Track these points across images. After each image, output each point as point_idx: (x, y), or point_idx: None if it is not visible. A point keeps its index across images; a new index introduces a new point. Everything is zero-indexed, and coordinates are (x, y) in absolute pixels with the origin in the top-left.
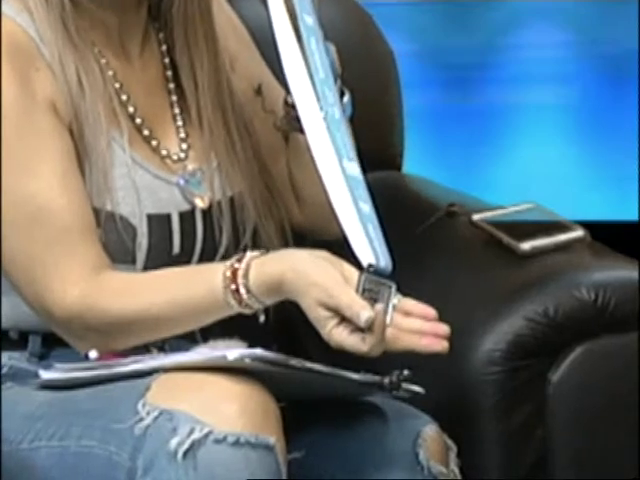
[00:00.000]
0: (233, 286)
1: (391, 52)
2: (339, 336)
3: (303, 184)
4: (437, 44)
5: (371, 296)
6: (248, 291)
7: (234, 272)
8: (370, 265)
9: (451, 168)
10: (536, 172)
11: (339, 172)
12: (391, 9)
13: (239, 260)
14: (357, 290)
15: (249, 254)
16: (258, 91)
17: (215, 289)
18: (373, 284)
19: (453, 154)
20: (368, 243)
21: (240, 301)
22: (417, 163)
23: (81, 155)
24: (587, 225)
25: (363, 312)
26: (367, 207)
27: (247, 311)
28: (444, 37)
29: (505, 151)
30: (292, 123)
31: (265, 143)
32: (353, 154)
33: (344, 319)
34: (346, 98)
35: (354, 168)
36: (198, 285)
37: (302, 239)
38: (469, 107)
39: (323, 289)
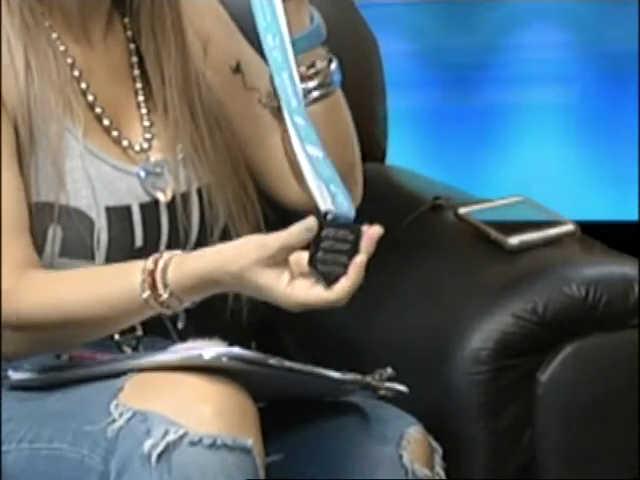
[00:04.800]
0: (151, 283)
1: (374, 39)
2: (300, 292)
3: None
4: (437, 44)
5: (339, 246)
6: (166, 288)
7: (153, 269)
8: (327, 212)
9: (451, 168)
10: (536, 172)
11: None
12: (391, 9)
13: (158, 257)
14: (316, 237)
15: (171, 252)
16: (237, 69)
17: (133, 285)
18: (333, 231)
19: (453, 154)
20: (328, 195)
21: (157, 298)
22: (417, 163)
23: (30, 147)
24: (587, 225)
25: (307, 222)
26: (330, 171)
27: (167, 311)
28: (444, 37)
29: (505, 151)
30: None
31: (249, 124)
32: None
33: (295, 275)
34: (334, 65)
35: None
36: (118, 281)
37: None
38: (469, 107)
39: (252, 248)
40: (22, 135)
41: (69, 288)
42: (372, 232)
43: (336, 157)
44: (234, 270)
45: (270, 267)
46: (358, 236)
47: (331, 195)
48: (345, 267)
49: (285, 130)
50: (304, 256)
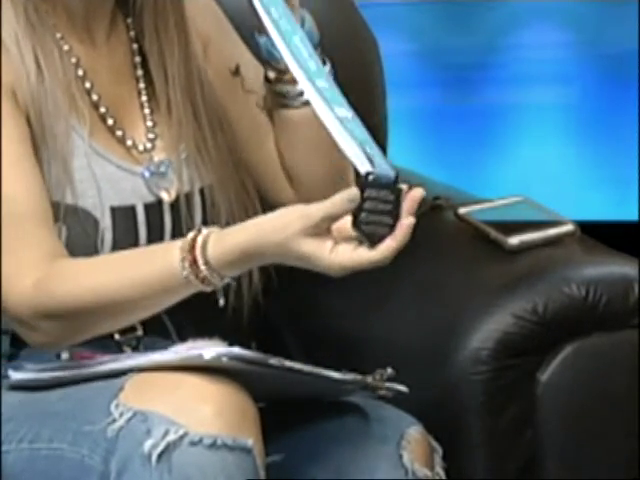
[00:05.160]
0: (191, 260)
1: (374, 39)
2: (344, 256)
3: (294, 163)
4: (437, 44)
5: (381, 207)
6: (207, 264)
7: (192, 245)
8: (368, 173)
9: (451, 168)
10: (536, 172)
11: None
12: (391, 9)
13: (197, 234)
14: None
15: (207, 228)
16: (236, 72)
17: (172, 264)
18: (375, 192)
19: (453, 154)
20: (366, 157)
21: (198, 275)
22: (417, 163)
23: (40, 144)
24: (587, 225)
25: (349, 192)
26: (362, 132)
27: (206, 288)
28: (444, 37)
29: (505, 151)
30: (275, 99)
31: (247, 126)
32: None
33: (337, 241)
34: (327, 68)
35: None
36: (155, 261)
37: None
38: (469, 107)
39: (296, 218)
40: (34, 132)
41: (105, 272)
42: (414, 194)
43: (329, 160)
44: (277, 240)
45: (312, 236)
46: (399, 197)
47: (369, 156)
48: (388, 227)
49: (281, 130)
50: (346, 222)
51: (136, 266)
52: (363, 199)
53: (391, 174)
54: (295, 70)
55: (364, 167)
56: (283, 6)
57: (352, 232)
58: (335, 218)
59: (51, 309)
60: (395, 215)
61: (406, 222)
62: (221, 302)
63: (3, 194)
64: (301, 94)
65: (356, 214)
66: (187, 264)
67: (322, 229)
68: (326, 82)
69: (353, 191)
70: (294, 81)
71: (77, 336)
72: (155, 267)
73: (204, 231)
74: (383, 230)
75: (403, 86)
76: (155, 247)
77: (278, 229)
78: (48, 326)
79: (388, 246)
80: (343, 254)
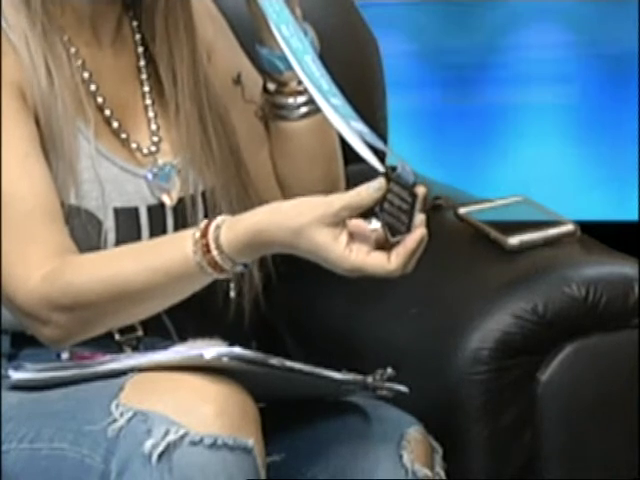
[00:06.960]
0: (204, 245)
1: (374, 39)
2: (358, 255)
3: (288, 173)
4: (437, 44)
5: (399, 203)
6: (218, 248)
7: (205, 231)
8: (393, 168)
9: (451, 168)
10: (536, 172)
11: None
12: (391, 9)
13: (210, 220)
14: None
15: (220, 216)
16: (237, 80)
17: (186, 251)
18: (397, 187)
19: (453, 154)
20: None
21: (210, 261)
22: (417, 163)
23: (48, 146)
24: (587, 225)
25: (376, 181)
26: (381, 142)
27: (219, 275)
28: (444, 37)
29: (505, 151)
30: (272, 111)
31: (245, 134)
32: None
33: (352, 239)
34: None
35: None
36: (168, 249)
37: None
38: (468, 107)
39: (316, 205)
40: (42, 134)
41: (119, 262)
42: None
43: (322, 172)
44: (292, 226)
45: (329, 226)
46: (414, 200)
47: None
48: (405, 226)
49: (275, 140)
50: (363, 221)
51: (150, 254)
52: (387, 190)
53: (411, 176)
54: (309, 87)
55: (385, 165)
56: (294, 24)
57: (369, 233)
58: (356, 209)
59: (64, 301)
60: (411, 217)
61: (417, 233)
62: (232, 294)
63: (9, 192)
64: (299, 107)
65: (380, 202)
66: (199, 249)
67: (341, 220)
68: (339, 100)
69: (380, 180)
70: (293, 93)
71: (90, 329)
72: (169, 254)
73: (219, 218)
74: (401, 227)
75: (403, 86)
76: (169, 236)
77: (293, 215)
78: (61, 319)
79: (398, 254)
80: (357, 253)
